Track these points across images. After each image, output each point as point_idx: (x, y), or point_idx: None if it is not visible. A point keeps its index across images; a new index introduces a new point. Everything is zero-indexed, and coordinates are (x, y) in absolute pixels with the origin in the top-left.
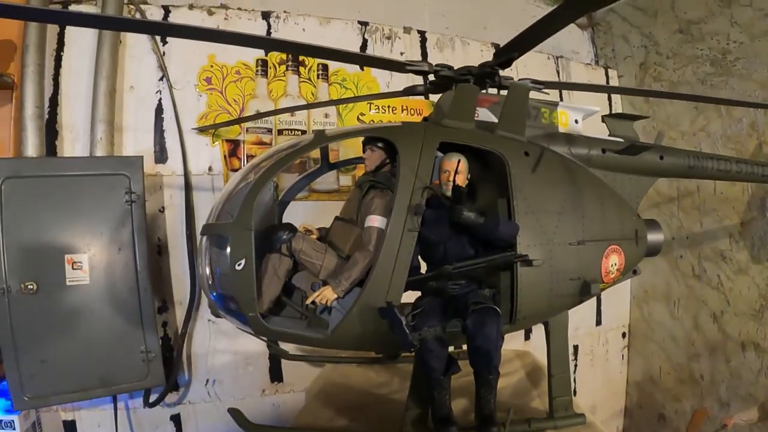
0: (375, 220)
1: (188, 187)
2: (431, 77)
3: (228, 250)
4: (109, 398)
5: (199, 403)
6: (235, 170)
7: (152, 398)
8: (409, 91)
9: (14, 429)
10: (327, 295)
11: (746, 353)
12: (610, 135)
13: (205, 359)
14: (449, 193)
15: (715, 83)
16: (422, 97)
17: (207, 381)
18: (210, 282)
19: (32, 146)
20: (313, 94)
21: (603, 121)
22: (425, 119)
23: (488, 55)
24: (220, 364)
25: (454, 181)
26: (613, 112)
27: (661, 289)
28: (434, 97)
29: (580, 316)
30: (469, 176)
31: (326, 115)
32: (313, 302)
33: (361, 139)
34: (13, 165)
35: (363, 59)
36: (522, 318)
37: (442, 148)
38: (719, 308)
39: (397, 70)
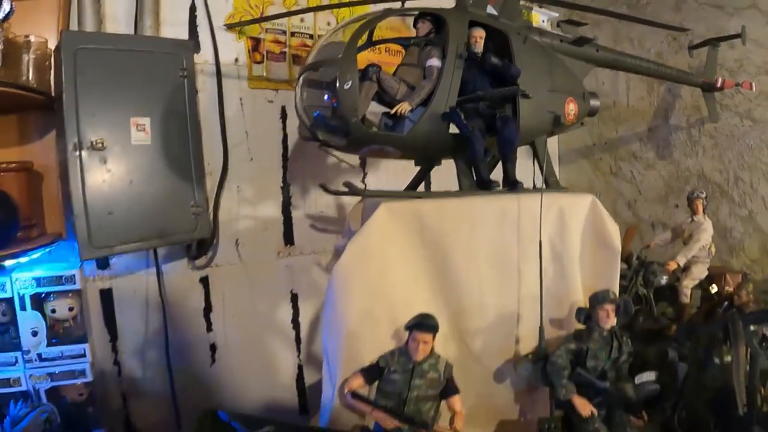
0: (434, 61)
1: (219, 73)
2: None
3: (337, 74)
4: (145, 263)
5: (225, 266)
6: (258, 62)
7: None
8: None
9: (75, 283)
10: (404, 107)
11: (656, 230)
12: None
13: (230, 225)
14: (478, 50)
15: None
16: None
17: (236, 241)
18: (308, 108)
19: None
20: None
21: (558, 25)
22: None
23: None
24: (243, 228)
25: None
26: None
27: (585, 186)
28: None
29: None
30: None
31: (328, 23)
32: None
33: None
34: (88, 37)
35: None
36: (522, 132)
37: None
38: (633, 197)
39: None
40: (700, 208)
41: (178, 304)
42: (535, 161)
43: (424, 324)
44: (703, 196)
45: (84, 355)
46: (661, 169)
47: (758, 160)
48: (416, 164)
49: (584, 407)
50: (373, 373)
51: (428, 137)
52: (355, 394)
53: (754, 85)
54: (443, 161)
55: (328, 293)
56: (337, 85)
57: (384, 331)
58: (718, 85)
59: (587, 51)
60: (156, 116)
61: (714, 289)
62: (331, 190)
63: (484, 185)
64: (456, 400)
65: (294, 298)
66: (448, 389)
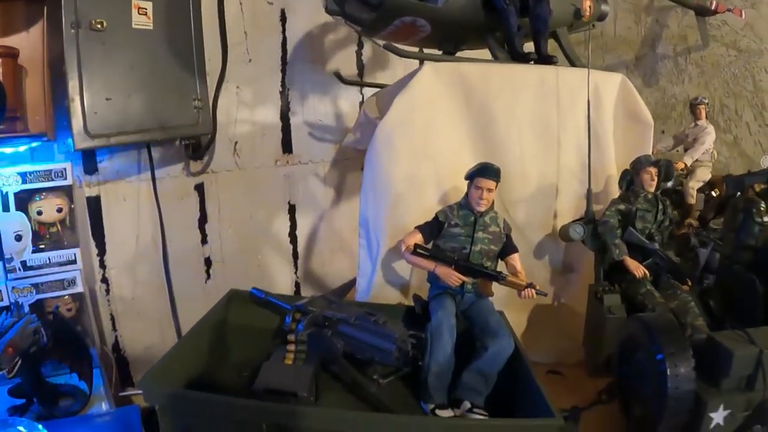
0: None
1: None
2: None
3: None
4: (137, 167)
5: (222, 172)
6: None
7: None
8: None
9: (65, 178)
10: None
11: None
12: None
13: (228, 128)
14: None
15: None
16: None
17: (235, 144)
18: None
19: None
20: None
21: None
22: None
23: None
24: (241, 133)
25: None
26: None
27: None
28: None
29: None
30: None
31: None
32: None
33: None
34: None
35: None
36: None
37: None
38: None
39: None
40: (703, 113)
41: (172, 214)
42: None
43: (489, 169)
44: (707, 101)
45: (74, 262)
46: (647, 96)
47: (743, 88)
48: (440, 47)
49: (637, 268)
50: (432, 228)
51: (462, 11)
52: (417, 248)
53: (743, 12)
54: None
55: (370, 157)
56: None
57: (430, 195)
58: (712, 7)
59: None
60: (158, 0)
61: (716, 192)
62: (347, 79)
63: (520, 57)
64: (516, 258)
65: (291, 210)
66: (508, 246)
